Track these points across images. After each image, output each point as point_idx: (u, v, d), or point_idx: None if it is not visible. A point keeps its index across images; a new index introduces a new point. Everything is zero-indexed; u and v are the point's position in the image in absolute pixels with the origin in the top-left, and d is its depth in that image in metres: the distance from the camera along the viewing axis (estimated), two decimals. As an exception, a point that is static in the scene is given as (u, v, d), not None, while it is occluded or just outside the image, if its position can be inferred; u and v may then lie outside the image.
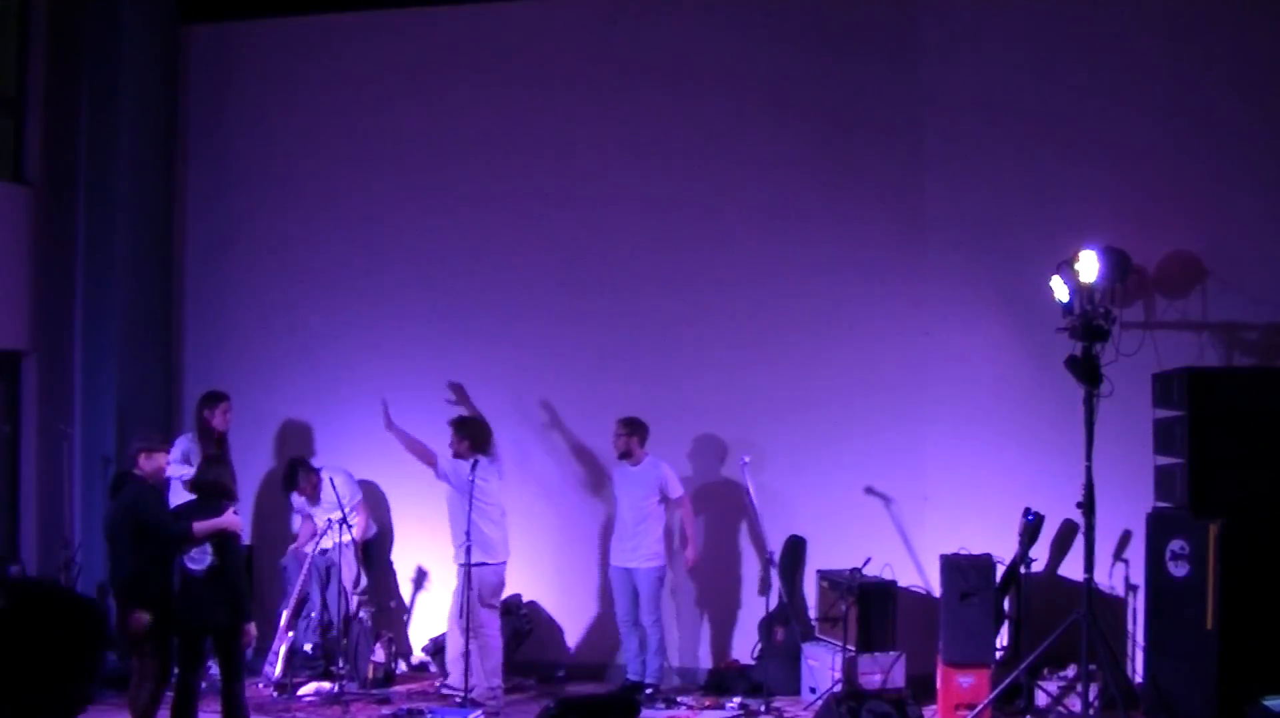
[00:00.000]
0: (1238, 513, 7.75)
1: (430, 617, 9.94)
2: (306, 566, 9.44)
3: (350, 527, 9.19)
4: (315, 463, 9.87)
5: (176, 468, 9.13)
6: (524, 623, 9.62)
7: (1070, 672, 8.38)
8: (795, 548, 9.32)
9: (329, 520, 9.18)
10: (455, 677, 8.76)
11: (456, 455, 8.93)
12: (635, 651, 9.21)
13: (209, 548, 7.22)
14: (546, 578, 9.89)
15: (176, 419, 10.35)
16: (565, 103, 10.00)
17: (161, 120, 10.47)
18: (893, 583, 8.96)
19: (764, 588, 9.21)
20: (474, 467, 8.71)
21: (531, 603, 9.82)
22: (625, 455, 9.20)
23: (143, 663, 7.34)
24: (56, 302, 10.10)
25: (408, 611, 10.14)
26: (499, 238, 10.05)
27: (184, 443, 9.54)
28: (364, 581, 9.67)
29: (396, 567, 10.15)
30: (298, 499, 9.80)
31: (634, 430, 9.16)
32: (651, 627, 9.12)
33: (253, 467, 10.11)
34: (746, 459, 8.71)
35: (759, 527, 8.66)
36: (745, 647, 9.40)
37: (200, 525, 7.22)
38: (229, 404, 9.62)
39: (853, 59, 9.60)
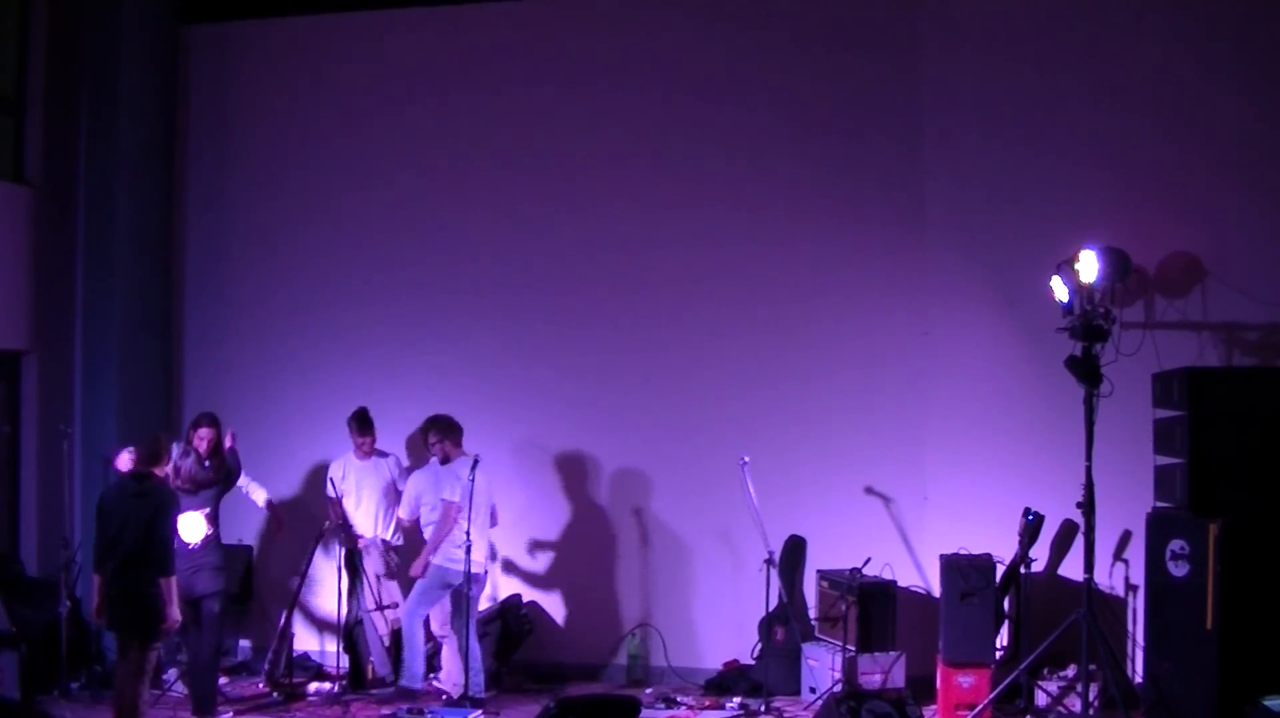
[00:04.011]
0: (1238, 513, 7.75)
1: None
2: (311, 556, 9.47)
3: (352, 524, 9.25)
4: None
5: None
6: (523, 623, 9.62)
7: (1070, 672, 8.39)
8: (795, 548, 9.31)
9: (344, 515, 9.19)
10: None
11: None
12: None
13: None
14: (545, 579, 9.89)
15: (177, 419, 10.34)
16: (563, 102, 9.99)
17: (161, 120, 10.48)
18: (893, 583, 8.97)
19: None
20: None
21: (531, 603, 9.82)
22: (446, 460, 8.97)
23: (126, 661, 7.33)
24: (56, 302, 10.11)
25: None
26: (501, 237, 10.05)
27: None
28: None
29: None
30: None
31: (446, 433, 8.97)
32: (438, 633, 9.02)
33: (252, 466, 10.05)
34: (746, 459, 8.71)
35: (759, 527, 8.65)
36: (745, 647, 9.40)
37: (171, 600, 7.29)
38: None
39: (853, 60, 9.59)
